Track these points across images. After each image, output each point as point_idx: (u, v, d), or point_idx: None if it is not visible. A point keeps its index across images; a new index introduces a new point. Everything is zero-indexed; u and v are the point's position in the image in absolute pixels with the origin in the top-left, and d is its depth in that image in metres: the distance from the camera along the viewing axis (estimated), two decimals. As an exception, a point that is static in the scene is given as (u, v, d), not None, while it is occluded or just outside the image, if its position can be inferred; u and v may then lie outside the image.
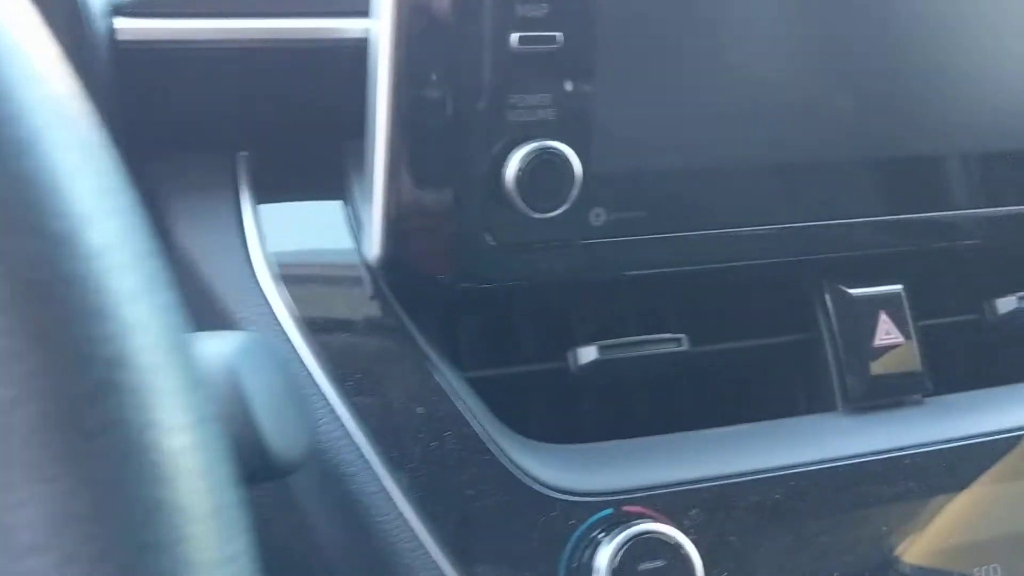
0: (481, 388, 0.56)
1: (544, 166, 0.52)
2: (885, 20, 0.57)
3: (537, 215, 0.53)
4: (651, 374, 0.59)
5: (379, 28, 0.51)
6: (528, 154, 0.52)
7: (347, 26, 0.58)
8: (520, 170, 0.52)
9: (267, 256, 0.57)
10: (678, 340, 0.58)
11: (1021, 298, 0.64)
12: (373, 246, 0.54)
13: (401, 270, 0.54)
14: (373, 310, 0.56)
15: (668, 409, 0.62)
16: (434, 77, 0.51)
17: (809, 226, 0.59)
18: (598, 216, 0.56)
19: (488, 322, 0.60)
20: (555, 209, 0.53)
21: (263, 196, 0.60)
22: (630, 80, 0.54)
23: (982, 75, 0.61)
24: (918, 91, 0.59)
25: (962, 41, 0.60)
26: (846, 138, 0.59)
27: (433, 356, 0.55)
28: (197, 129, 0.60)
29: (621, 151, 0.55)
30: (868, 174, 0.60)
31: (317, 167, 0.60)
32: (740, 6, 0.54)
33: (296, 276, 0.57)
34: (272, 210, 0.59)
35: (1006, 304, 0.65)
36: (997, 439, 0.61)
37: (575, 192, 0.53)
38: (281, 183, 0.61)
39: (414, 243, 0.54)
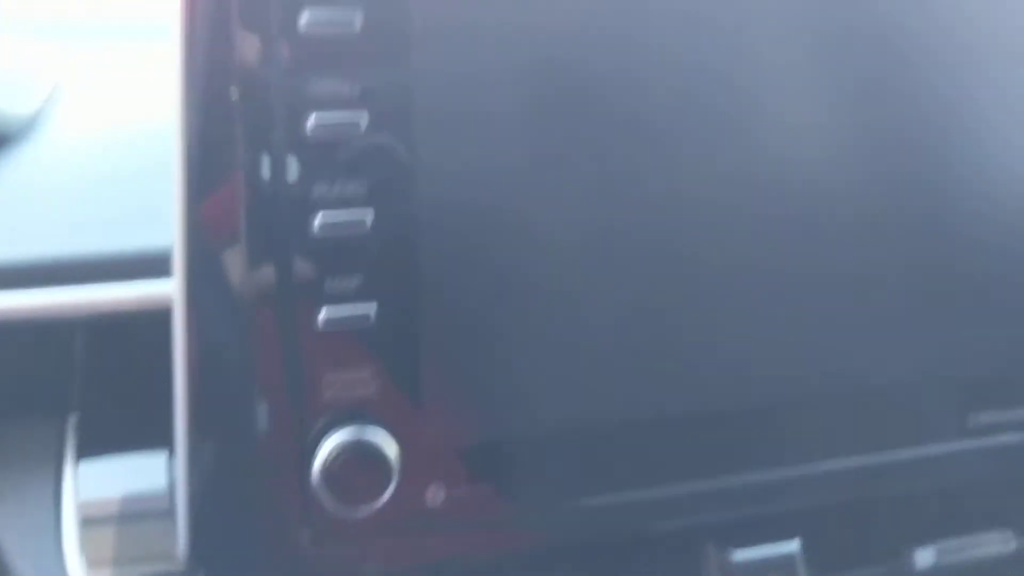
0: None
1: (358, 454, 0.47)
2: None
3: (359, 507, 0.48)
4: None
5: (175, 296, 0.47)
6: (339, 442, 0.47)
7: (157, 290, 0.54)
8: (329, 461, 0.47)
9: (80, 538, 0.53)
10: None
11: (940, 550, 0.58)
12: (179, 544, 0.49)
13: (210, 570, 0.49)
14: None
15: None
16: (232, 355, 0.47)
17: (686, 491, 0.53)
18: (436, 495, 0.50)
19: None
20: (375, 500, 0.48)
21: (86, 462, 0.56)
22: (457, 349, 0.49)
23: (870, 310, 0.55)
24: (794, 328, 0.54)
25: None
26: (723, 386, 0.53)
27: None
28: (17, 396, 0.56)
29: (453, 424, 0.49)
30: (753, 423, 0.54)
31: (146, 432, 0.56)
32: (568, 269, 0.50)
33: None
34: (92, 479, 0.55)
35: (924, 557, 0.58)
36: None
37: (396, 478, 0.48)
38: (108, 448, 0.56)
39: (221, 541, 0.48)
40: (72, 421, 0.56)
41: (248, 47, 0.43)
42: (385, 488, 0.47)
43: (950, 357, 0.57)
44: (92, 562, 0.54)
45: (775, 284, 0.53)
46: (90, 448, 0.56)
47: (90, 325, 0.55)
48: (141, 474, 0.56)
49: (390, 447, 0.48)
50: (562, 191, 0.49)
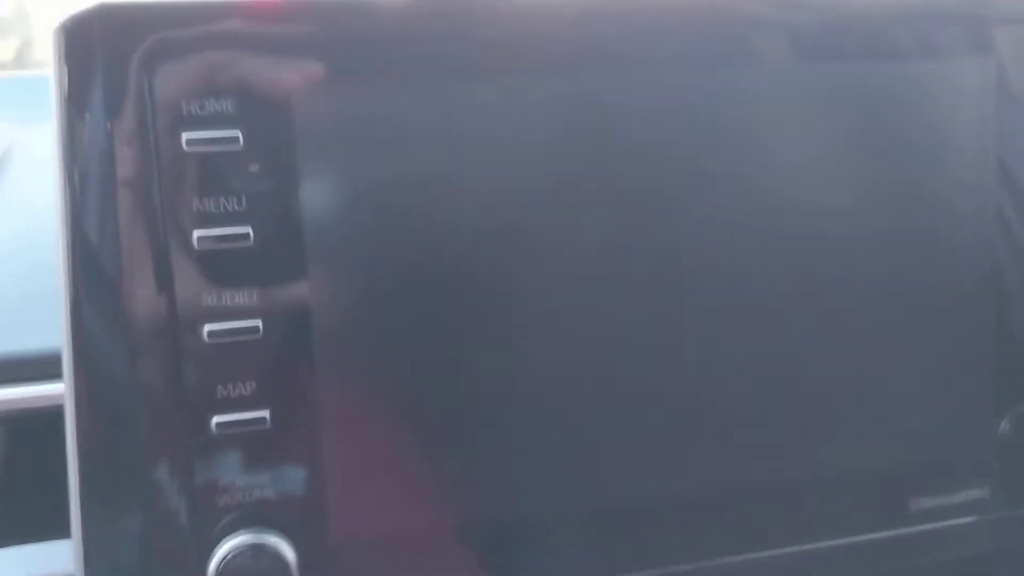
0: None
1: (254, 557, 0.48)
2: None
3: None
4: None
5: (65, 396, 0.47)
6: (235, 544, 0.47)
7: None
8: (224, 565, 0.47)
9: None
10: None
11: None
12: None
13: None
14: None
15: None
16: (124, 457, 0.47)
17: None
18: (342, 594, 0.51)
19: None
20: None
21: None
22: (355, 454, 0.50)
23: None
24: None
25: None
26: (663, 481, 0.54)
27: None
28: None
29: (351, 526, 0.50)
30: (700, 513, 0.55)
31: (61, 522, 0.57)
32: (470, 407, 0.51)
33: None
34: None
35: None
36: None
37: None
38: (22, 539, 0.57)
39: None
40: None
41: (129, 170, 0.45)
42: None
43: (890, 445, 0.58)
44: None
45: (730, 383, 0.54)
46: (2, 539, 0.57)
47: (7, 422, 0.56)
48: (50, 560, 0.57)
49: (287, 550, 0.48)
50: (463, 328, 0.50)
